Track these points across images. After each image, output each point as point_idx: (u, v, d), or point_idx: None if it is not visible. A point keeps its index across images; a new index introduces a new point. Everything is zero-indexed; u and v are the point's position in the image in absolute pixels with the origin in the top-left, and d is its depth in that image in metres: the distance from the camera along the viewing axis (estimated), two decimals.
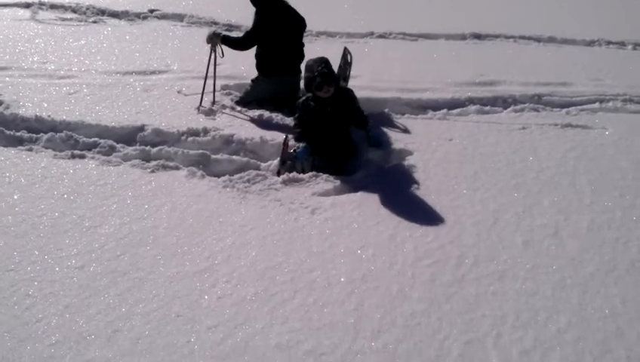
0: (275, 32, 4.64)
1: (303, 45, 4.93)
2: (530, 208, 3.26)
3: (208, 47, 4.81)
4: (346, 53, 5.02)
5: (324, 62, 3.88)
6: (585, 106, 4.88)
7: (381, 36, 7.50)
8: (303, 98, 4.06)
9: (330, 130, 3.98)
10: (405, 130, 4.44)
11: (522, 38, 7.13)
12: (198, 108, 4.73)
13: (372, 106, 5.07)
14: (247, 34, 4.75)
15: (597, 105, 4.89)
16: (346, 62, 4.98)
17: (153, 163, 3.89)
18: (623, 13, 8.39)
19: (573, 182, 3.57)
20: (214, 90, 4.95)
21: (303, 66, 4.35)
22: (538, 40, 7.06)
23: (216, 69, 4.91)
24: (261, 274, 2.74)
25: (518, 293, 2.56)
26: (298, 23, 4.82)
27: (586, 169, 3.74)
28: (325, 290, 2.61)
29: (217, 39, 4.71)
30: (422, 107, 5.13)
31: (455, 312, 2.46)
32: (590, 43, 6.91)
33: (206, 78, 4.87)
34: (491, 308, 2.48)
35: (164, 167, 3.85)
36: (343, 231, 3.09)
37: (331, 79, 3.83)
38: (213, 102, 4.88)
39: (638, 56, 6.52)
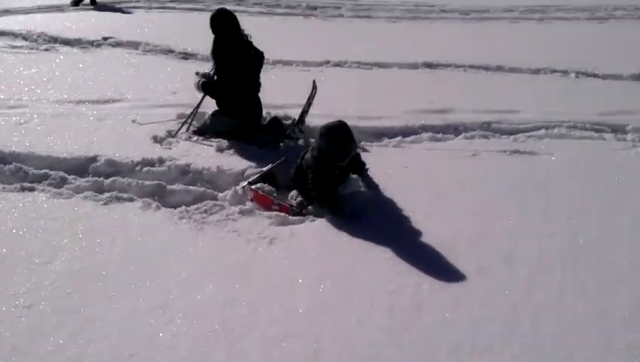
0: (240, 71, 4.67)
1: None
2: (482, 234, 3.35)
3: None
4: (314, 85, 5.10)
5: (348, 132, 3.52)
6: (532, 133, 5.07)
7: (337, 65, 7.63)
8: (308, 158, 3.63)
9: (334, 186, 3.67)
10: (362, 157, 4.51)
11: (472, 67, 7.38)
12: (175, 135, 4.84)
13: None
14: (219, 84, 4.73)
15: (543, 131, 5.09)
16: (310, 96, 5.05)
17: (106, 194, 3.81)
18: (566, 44, 8.82)
19: (522, 208, 3.69)
20: (190, 123, 4.98)
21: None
22: (487, 69, 7.33)
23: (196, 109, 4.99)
24: (219, 308, 2.71)
25: (473, 320, 2.62)
26: (259, 59, 4.85)
27: (535, 194, 3.88)
28: (284, 323, 2.60)
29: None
30: (377, 134, 5.23)
31: (414, 341, 2.49)
32: (536, 71, 7.21)
33: (193, 112, 4.97)
34: (449, 336, 2.52)
35: (118, 199, 3.77)
36: (302, 262, 3.09)
37: (353, 152, 3.61)
38: (187, 130, 4.95)
39: (580, 84, 6.84)
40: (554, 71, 7.18)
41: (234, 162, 4.31)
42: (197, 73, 4.90)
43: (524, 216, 3.58)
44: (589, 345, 2.45)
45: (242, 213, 3.63)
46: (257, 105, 4.96)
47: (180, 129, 4.90)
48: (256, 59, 4.80)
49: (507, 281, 2.90)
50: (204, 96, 4.87)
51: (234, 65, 4.62)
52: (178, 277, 2.94)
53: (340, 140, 3.46)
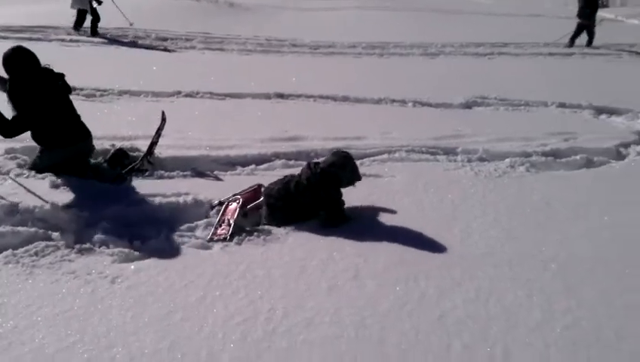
0: (43, 104, 4.21)
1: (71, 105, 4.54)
2: (333, 254, 3.44)
3: None
4: (163, 117, 4.93)
5: None
6: (376, 157, 5.41)
7: (188, 95, 7.51)
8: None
9: None
10: (215, 187, 4.44)
11: (321, 97, 7.73)
12: None
13: (180, 165, 4.99)
14: (15, 121, 4.13)
15: (386, 156, 5.45)
16: (159, 127, 4.86)
17: None
18: (403, 76, 9.65)
19: (370, 226, 3.88)
20: None
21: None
22: (334, 99, 7.72)
23: None
24: (50, 358, 2.42)
25: (324, 339, 2.64)
26: (63, 87, 4.44)
27: (381, 213, 4.11)
28: None
29: None
30: (230, 163, 5.20)
31: None
32: (378, 101, 7.75)
33: None
34: (301, 359, 2.51)
35: None
36: (148, 299, 2.90)
37: None
38: None
39: (417, 112, 7.49)
40: (393, 101, 7.78)
41: (71, 198, 3.97)
42: None
43: (372, 234, 3.74)
44: (430, 351, 2.60)
45: (80, 252, 3.33)
46: (76, 132, 4.52)
47: None
48: (61, 89, 4.40)
49: (356, 297, 2.99)
50: None
51: (34, 104, 4.16)
52: (2, 329, 2.58)
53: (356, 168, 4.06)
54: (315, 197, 3.89)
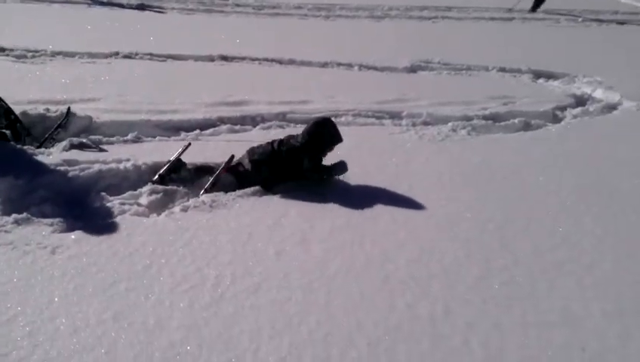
0: None
1: None
2: (280, 219, 3.46)
3: None
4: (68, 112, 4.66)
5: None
6: None
7: (127, 56, 7.21)
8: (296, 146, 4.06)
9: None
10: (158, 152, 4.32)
11: (266, 60, 7.60)
12: None
13: (119, 130, 4.82)
14: None
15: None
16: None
17: None
18: (349, 39, 9.59)
19: (316, 191, 3.91)
20: None
21: None
22: (280, 62, 7.61)
23: None
24: None
25: (272, 303, 2.68)
26: None
27: (325, 179, 4.14)
28: (71, 338, 2.35)
29: None
30: (174, 128, 5.08)
31: (214, 334, 2.45)
32: (324, 65, 7.70)
33: None
34: (248, 323, 2.54)
35: None
36: (91, 269, 2.83)
37: None
38: None
39: (363, 76, 7.50)
40: (340, 64, 7.75)
41: (4, 166, 3.75)
42: None
43: (317, 199, 3.78)
44: (375, 310, 2.69)
45: (17, 222, 3.19)
46: None
47: None
48: None
49: (304, 261, 3.03)
50: None
51: None
52: None
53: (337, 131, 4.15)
54: (296, 160, 4.00)
